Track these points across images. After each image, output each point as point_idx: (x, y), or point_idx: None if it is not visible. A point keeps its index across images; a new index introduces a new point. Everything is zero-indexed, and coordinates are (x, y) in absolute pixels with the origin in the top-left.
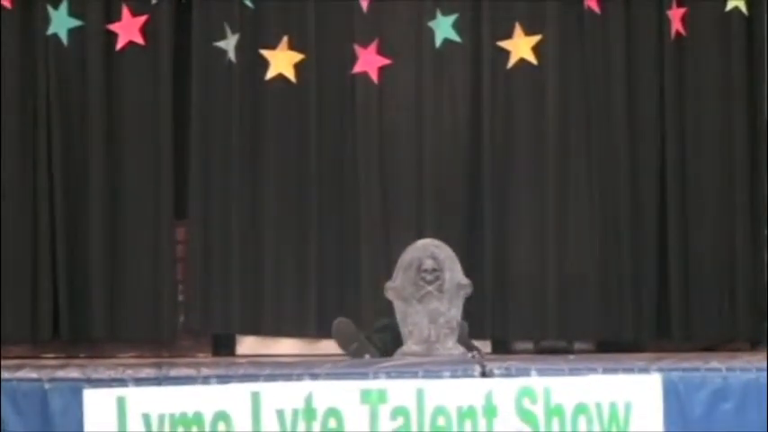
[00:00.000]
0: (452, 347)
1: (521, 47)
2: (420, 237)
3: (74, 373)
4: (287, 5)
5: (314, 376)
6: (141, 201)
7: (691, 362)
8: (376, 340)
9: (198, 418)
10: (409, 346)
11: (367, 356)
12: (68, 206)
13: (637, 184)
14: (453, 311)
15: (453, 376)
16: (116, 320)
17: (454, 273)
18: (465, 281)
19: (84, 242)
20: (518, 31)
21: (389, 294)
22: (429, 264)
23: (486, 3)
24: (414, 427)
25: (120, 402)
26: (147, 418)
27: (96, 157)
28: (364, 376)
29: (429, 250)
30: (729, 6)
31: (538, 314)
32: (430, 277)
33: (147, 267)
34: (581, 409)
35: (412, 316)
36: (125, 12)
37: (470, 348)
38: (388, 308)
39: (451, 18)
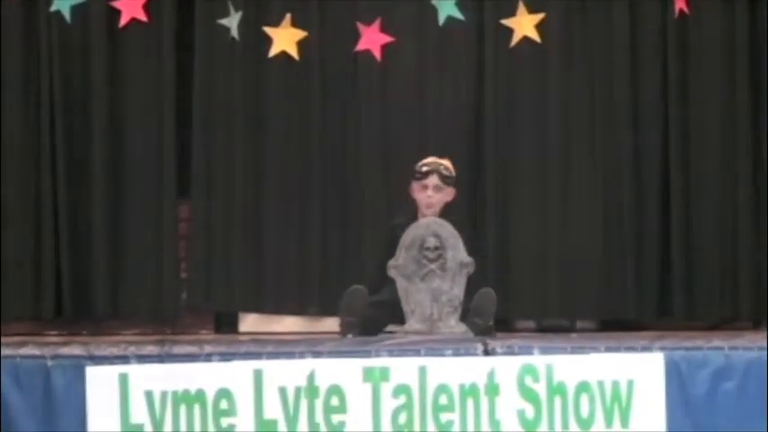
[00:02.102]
0: (455, 326)
1: (524, 25)
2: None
3: (76, 351)
4: None
5: (316, 354)
6: (144, 179)
7: (693, 341)
8: (372, 313)
9: (200, 395)
10: (411, 324)
11: (349, 336)
12: (71, 184)
13: (640, 162)
14: (456, 290)
15: (456, 354)
16: (119, 298)
17: (457, 251)
18: (468, 259)
19: (88, 220)
20: (521, 9)
21: (392, 273)
22: (432, 242)
23: None
24: (416, 405)
25: (123, 379)
26: (149, 395)
27: (99, 135)
28: (366, 354)
29: (432, 228)
30: None
31: (540, 293)
32: (432, 255)
33: (150, 245)
34: (583, 387)
35: (414, 294)
36: None
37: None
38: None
39: None
